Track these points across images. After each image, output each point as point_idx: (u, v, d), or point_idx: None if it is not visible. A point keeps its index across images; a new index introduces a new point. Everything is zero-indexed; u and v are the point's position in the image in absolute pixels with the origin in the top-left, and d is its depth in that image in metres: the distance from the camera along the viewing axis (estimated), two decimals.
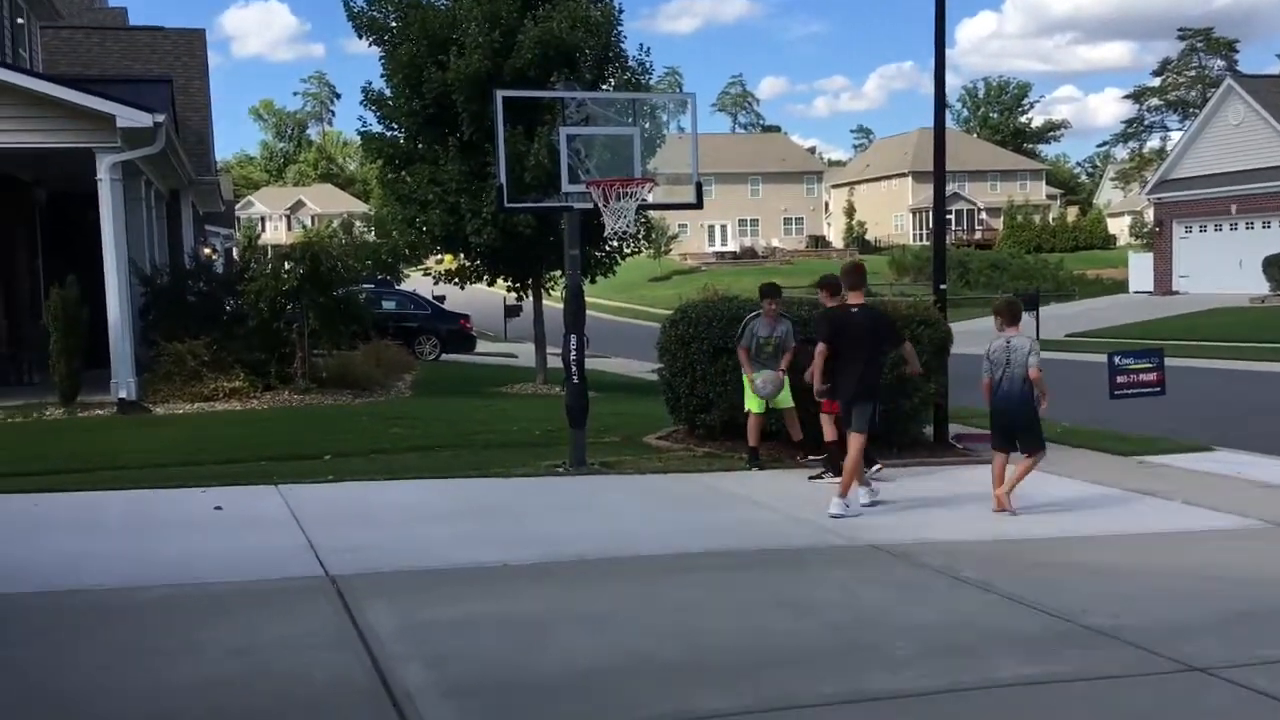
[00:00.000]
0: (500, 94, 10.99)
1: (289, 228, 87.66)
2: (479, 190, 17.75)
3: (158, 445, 11.28)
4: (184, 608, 5.82)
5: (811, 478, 9.78)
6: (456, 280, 20.49)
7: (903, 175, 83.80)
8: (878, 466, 9.65)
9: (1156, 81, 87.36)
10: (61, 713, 4.41)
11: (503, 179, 10.84)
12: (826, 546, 7.58)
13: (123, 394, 13.82)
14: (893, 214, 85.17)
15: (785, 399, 10.24)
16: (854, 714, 4.53)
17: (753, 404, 10.30)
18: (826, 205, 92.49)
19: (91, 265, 14.15)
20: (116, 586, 6.18)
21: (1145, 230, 60.92)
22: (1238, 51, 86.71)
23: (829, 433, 9.64)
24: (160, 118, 13.98)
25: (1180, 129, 66.64)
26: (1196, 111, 53.72)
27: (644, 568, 6.87)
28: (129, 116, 13.63)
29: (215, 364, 14.80)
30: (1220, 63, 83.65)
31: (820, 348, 8.88)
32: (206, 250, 29.79)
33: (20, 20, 20.00)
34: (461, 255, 19.94)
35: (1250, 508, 8.88)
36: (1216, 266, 39.71)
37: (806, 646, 5.37)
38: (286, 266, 16.40)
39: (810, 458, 10.26)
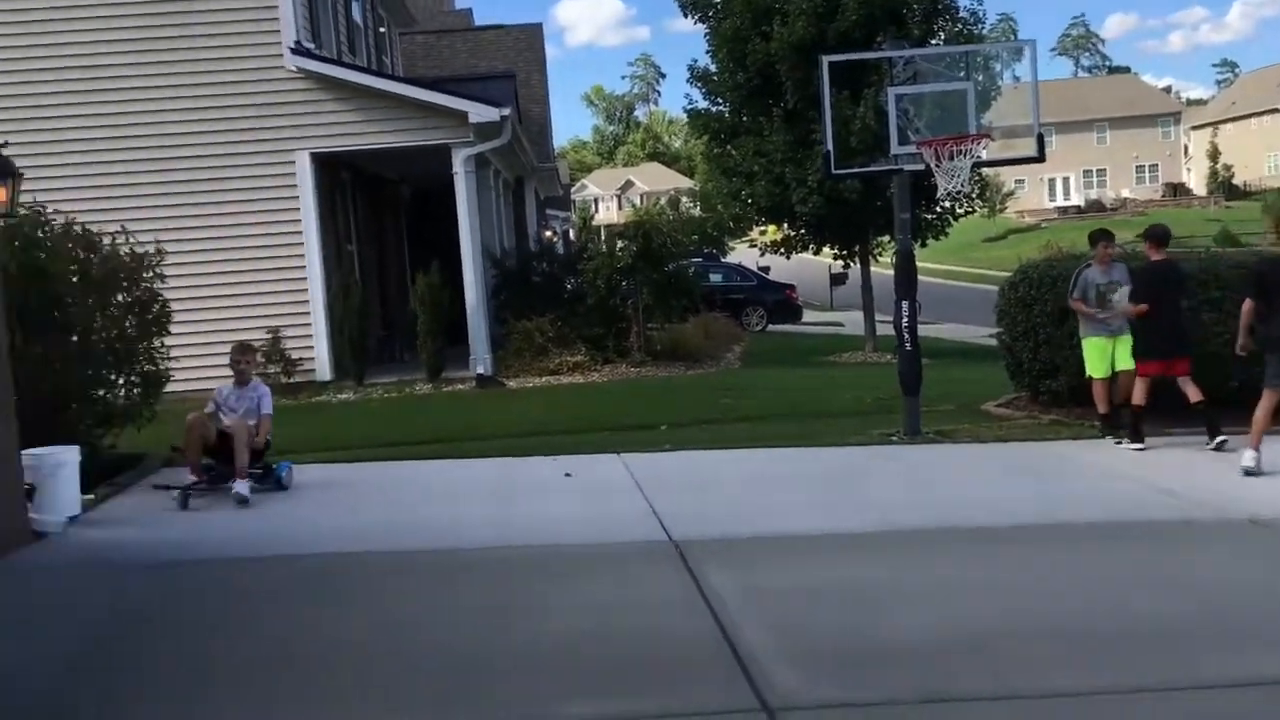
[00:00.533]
0: (825, 59, 10.84)
1: (619, 207, 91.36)
2: (804, 159, 17.70)
3: (511, 416, 12.18)
4: (543, 567, 6.24)
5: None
6: (781, 250, 20.56)
7: (1278, 110, 74.77)
8: (1223, 439, 8.77)
9: None
10: (445, 654, 4.87)
11: (829, 145, 10.74)
12: (1194, 520, 6.97)
13: (480, 369, 15.02)
14: (1266, 154, 76.27)
15: (1125, 358, 9.44)
16: (1244, 698, 4.12)
17: (1095, 369, 9.61)
18: (1185, 149, 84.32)
19: (449, 252, 15.43)
20: (483, 546, 6.73)
21: None
22: None
23: (1138, 396, 9.20)
24: (506, 111, 15.00)
25: None
26: None
27: (986, 539, 6.61)
28: (479, 112, 14.72)
29: (559, 340, 15.77)
30: None
31: (1246, 305, 8.35)
32: (547, 233, 31.70)
33: (382, 29, 22.08)
34: (786, 225, 19.99)
35: None
36: None
37: (1175, 625, 4.96)
38: (620, 245, 17.13)
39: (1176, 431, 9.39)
